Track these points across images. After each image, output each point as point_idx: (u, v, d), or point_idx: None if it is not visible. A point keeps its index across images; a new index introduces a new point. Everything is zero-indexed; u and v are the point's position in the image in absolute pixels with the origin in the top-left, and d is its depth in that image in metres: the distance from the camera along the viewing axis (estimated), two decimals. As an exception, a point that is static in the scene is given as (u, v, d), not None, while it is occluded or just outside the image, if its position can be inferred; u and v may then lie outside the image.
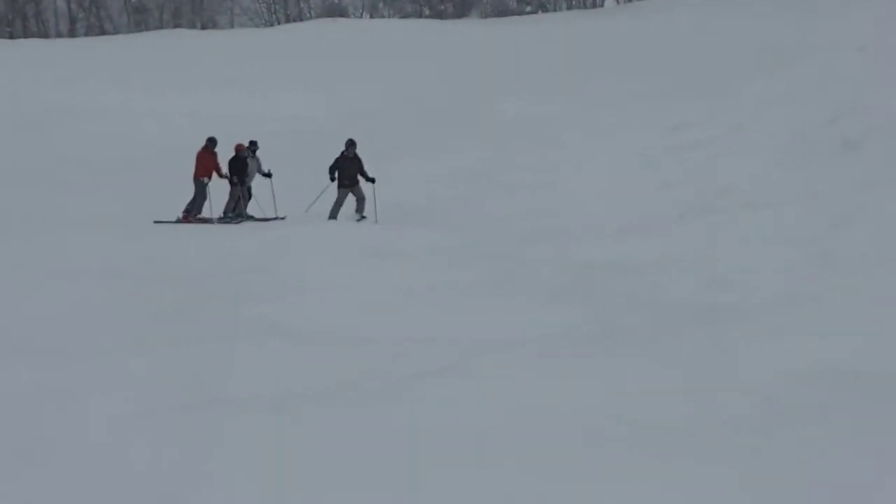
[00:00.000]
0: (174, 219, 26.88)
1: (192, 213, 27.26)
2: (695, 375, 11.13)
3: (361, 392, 10.79)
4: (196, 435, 9.36)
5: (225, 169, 27.95)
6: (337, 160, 27.02)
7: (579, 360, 11.96)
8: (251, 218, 27.50)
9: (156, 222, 25.97)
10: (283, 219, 26.95)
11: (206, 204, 27.57)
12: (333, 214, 26.33)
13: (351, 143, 27.15)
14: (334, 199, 26.70)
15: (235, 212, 27.73)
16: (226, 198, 27.96)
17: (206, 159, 27.72)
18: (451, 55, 52.22)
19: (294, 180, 29.37)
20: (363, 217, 26.55)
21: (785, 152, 25.22)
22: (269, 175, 28.44)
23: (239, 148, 28.06)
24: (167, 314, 15.30)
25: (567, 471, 8.42)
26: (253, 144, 28.69)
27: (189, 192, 27.68)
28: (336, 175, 26.97)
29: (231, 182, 27.74)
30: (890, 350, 12.20)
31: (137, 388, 10.97)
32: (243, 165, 27.85)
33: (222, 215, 27.71)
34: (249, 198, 28.12)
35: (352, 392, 10.81)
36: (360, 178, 27.00)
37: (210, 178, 27.70)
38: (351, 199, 26.93)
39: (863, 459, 8.53)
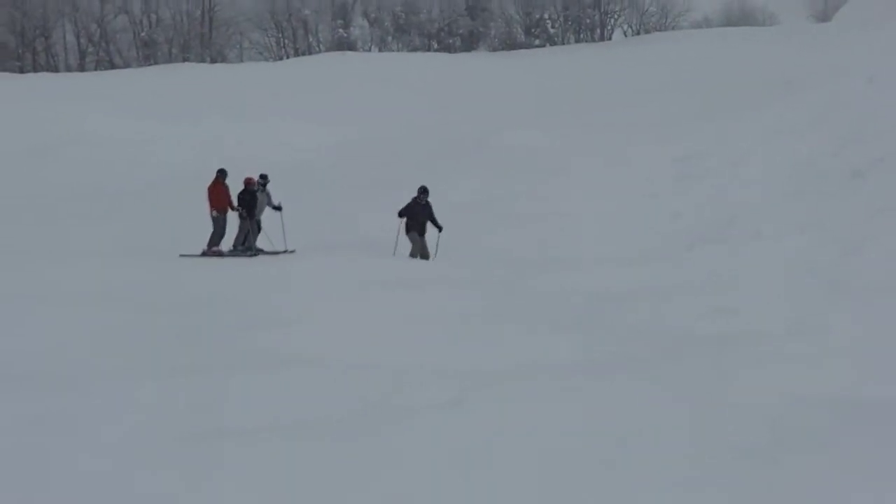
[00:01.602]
0: (198, 252, 26.89)
1: (209, 247, 27.27)
2: (700, 402, 11.12)
3: (362, 423, 10.73)
4: (197, 464, 9.37)
5: (235, 202, 27.91)
6: (409, 205, 26.55)
7: (583, 389, 11.90)
8: (261, 251, 27.48)
9: (181, 255, 26.01)
10: (292, 252, 26.92)
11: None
12: (414, 254, 26.23)
13: (423, 191, 26.72)
14: (410, 247, 26.33)
15: (245, 245, 27.71)
16: (236, 231, 27.96)
17: (218, 192, 27.71)
18: (458, 88, 52.40)
19: (302, 211, 29.39)
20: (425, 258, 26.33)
21: (792, 181, 25.23)
22: (279, 208, 28.35)
23: (248, 182, 28.01)
24: (171, 344, 15.27)
25: (573, 499, 8.44)
26: (263, 178, 28.61)
27: (202, 225, 27.71)
28: (406, 219, 26.49)
29: (240, 216, 27.71)
30: (894, 377, 12.22)
31: (139, 417, 10.94)
32: (252, 199, 27.79)
33: (232, 248, 27.71)
34: (259, 231, 28.08)
35: (353, 422, 10.75)
36: (428, 225, 26.47)
37: (225, 211, 27.66)
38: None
39: (868, 486, 8.54)
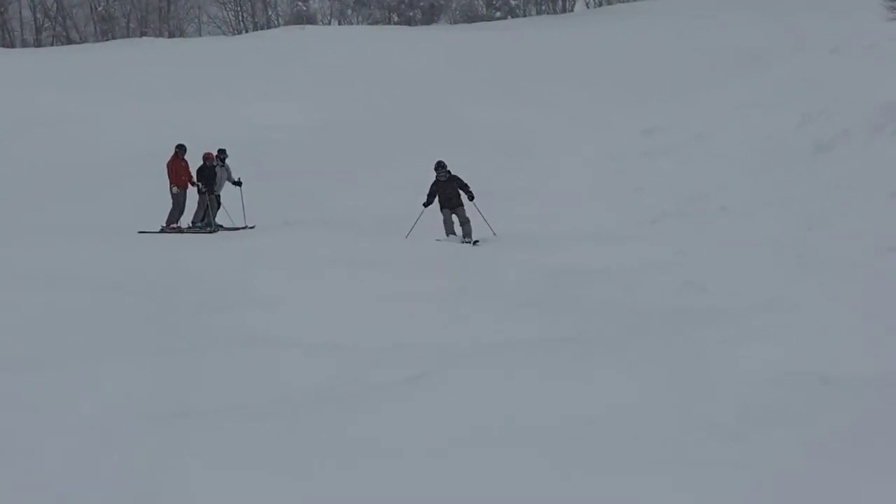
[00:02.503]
0: (157, 229, 26.69)
1: (168, 223, 27.07)
2: (670, 381, 11.01)
3: (329, 402, 10.66)
4: (163, 444, 9.24)
5: (194, 177, 27.69)
6: (432, 186, 25.45)
7: (553, 366, 11.80)
8: (220, 227, 27.30)
9: (140, 232, 25.79)
10: (252, 228, 26.77)
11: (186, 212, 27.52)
12: (449, 231, 25.09)
13: (440, 165, 25.47)
14: (442, 221, 25.19)
15: (204, 221, 27.53)
16: (195, 207, 27.76)
17: (177, 167, 27.48)
18: (419, 62, 52.24)
19: (263, 189, 29.24)
20: (473, 241, 24.46)
21: (758, 156, 25.30)
22: (238, 183, 28.18)
23: (207, 157, 27.81)
24: (137, 324, 15.15)
25: (541, 479, 8.33)
26: (221, 153, 28.41)
27: (162, 202, 27.51)
28: (432, 200, 25.37)
29: (199, 191, 27.51)
30: (866, 353, 12.21)
31: (103, 398, 10.85)
32: (211, 174, 27.61)
33: (191, 224, 27.53)
34: (218, 207, 27.90)
35: (319, 402, 10.69)
36: (462, 197, 25.28)
37: (185, 187, 27.45)
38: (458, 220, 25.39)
39: (840, 464, 8.47)
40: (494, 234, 24.20)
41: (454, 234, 24.78)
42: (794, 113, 26.63)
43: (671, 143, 29.57)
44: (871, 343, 12.62)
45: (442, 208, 25.15)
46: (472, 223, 24.76)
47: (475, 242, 24.20)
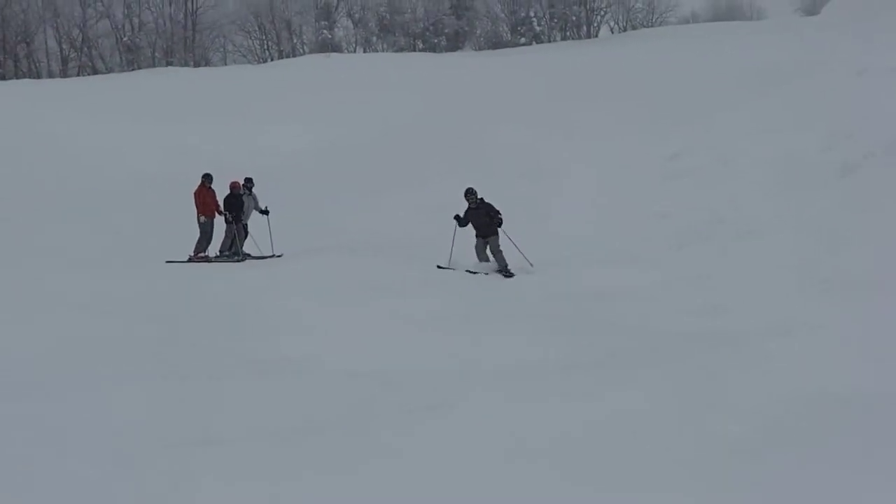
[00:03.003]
0: (185, 258, 26.80)
1: (196, 252, 27.18)
2: (689, 401, 11.12)
3: (351, 427, 10.76)
4: (183, 470, 9.35)
5: (221, 206, 27.78)
6: (465, 213, 24.70)
7: (572, 388, 11.90)
8: (248, 256, 27.37)
9: (168, 262, 25.92)
10: (279, 256, 26.82)
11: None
12: (482, 259, 24.33)
13: (469, 193, 24.79)
14: (475, 246, 24.47)
15: (232, 250, 27.61)
16: (223, 236, 27.85)
17: (204, 197, 27.59)
18: (444, 88, 52.27)
19: (289, 215, 29.32)
20: (507, 273, 23.40)
21: (781, 178, 25.19)
22: (266, 212, 28.23)
23: (234, 186, 27.91)
24: (160, 350, 15.24)
25: (558, 494, 8.43)
26: (248, 181, 28.50)
27: (188, 231, 27.63)
28: (463, 223, 24.65)
29: (226, 220, 27.61)
30: (886, 374, 12.24)
31: (125, 424, 10.95)
32: (239, 203, 27.69)
33: (219, 253, 27.62)
34: (246, 235, 27.97)
35: (342, 427, 10.78)
36: (493, 225, 24.17)
37: (212, 216, 27.56)
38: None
39: (855, 481, 8.57)
40: (531, 265, 23.48)
41: (486, 261, 24.17)
42: (818, 135, 26.53)
43: (694, 165, 29.49)
44: (892, 364, 12.64)
45: (476, 235, 24.45)
46: (504, 254, 23.76)
47: (508, 275, 23.30)
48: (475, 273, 23.33)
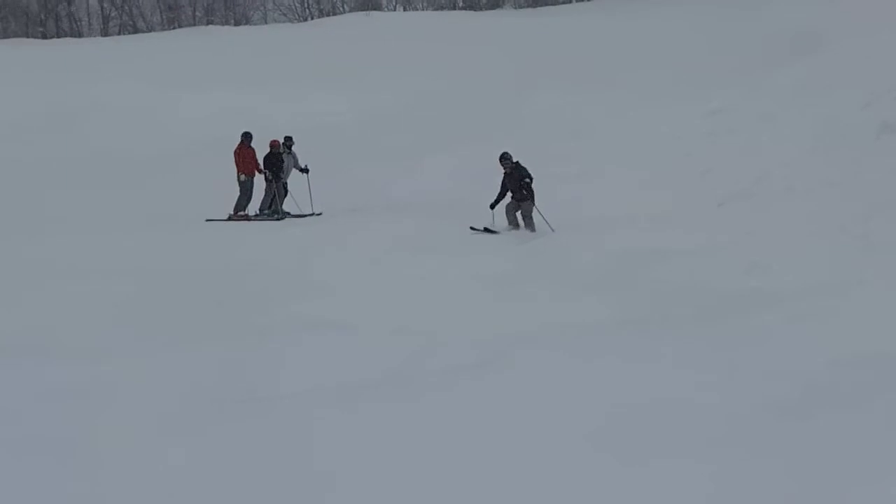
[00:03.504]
0: (225, 217, 26.90)
1: (235, 211, 27.27)
2: (735, 361, 11.05)
3: (396, 386, 10.79)
4: (233, 430, 9.40)
5: (261, 165, 27.85)
6: (502, 181, 24.10)
7: (619, 347, 11.91)
8: (288, 214, 27.44)
9: (207, 220, 26.04)
10: (319, 215, 26.88)
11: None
12: (511, 221, 23.96)
13: (504, 157, 24.18)
14: (506, 207, 24.09)
15: (272, 208, 27.70)
16: (262, 195, 27.94)
17: (244, 155, 27.66)
18: (484, 47, 52.13)
19: (328, 175, 29.33)
20: (528, 229, 23.49)
21: (822, 137, 25.02)
22: (305, 171, 28.27)
23: (274, 144, 27.97)
24: (203, 311, 15.35)
25: (609, 456, 8.44)
26: (288, 140, 28.56)
27: (229, 190, 27.72)
28: (500, 200, 24.04)
29: (266, 179, 27.67)
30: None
31: (172, 385, 11.05)
32: (279, 162, 27.76)
33: (258, 212, 27.72)
34: (286, 194, 28.04)
35: (387, 386, 10.80)
36: (526, 189, 23.76)
37: (252, 175, 27.64)
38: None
39: None
40: (553, 230, 23.00)
41: (515, 226, 23.89)
42: (858, 93, 26.33)
43: (735, 124, 29.33)
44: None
45: (512, 198, 24.01)
46: (532, 221, 23.59)
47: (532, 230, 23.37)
48: (495, 232, 23.17)
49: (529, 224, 23.59)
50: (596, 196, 25.48)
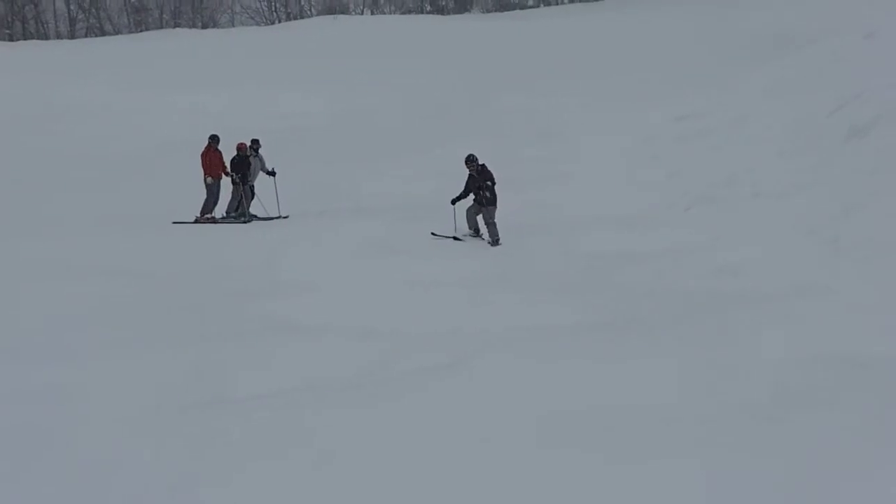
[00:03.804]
0: (191, 219, 26.80)
1: (202, 214, 27.18)
2: (704, 364, 11.10)
3: (365, 388, 10.77)
4: (202, 432, 9.38)
5: (228, 168, 27.79)
6: (467, 182, 23.55)
7: (588, 349, 11.92)
8: (255, 217, 27.38)
9: (174, 223, 25.94)
10: (286, 217, 26.83)
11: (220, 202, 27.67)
12: (471, 226, 23.46)
13: (470, 160, 23.54)
14: (466, 210, 23.60)
15: (238, 211, 27.62)
16: (229, 197, 27.86)
17: (211, 158, 27.57)
18: (452, 50, 52.34)
19: (296, 177, 29.32)
20: (494, 241, 22.61)
21: (792, 140, 25.15)
22: (272, 173, 28.25)
23: (241, 147, 27.90)
24: (172, 313, 15.27)
25: (575, 460, 8.44)
26: (255, 143, 28.52)
27: (196, 193, 27.64)
28: (463, 197, 23.54)
29: (233, 181, 27.61)
30: (896, 335, 12.15)
31: (141, 387, 10.99)
32: (245, 164, 27.70)
33: (225, 214, 27.64)
34: (252, 197, 27.97)
35: (355, 388, 10.79)
36: (489, 193, 23.18)
37: (219, 177, 27.55)
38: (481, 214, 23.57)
39: (873, 445, 8.54)
40: (490, 242, 22.57)
41: (474, 231, 23.39)
42: (827, 97, 26.49)
43: (705, 127, 29.49)
44: (905, 326, 12.58)
45: (474, 201, 23.48)
46: (495, 228, 22.83)
47: (496, 242, 22.54)
48: (461, 240, 22.77)
49: (492, 231, 22.94)
50: (565, 199, 25.54)
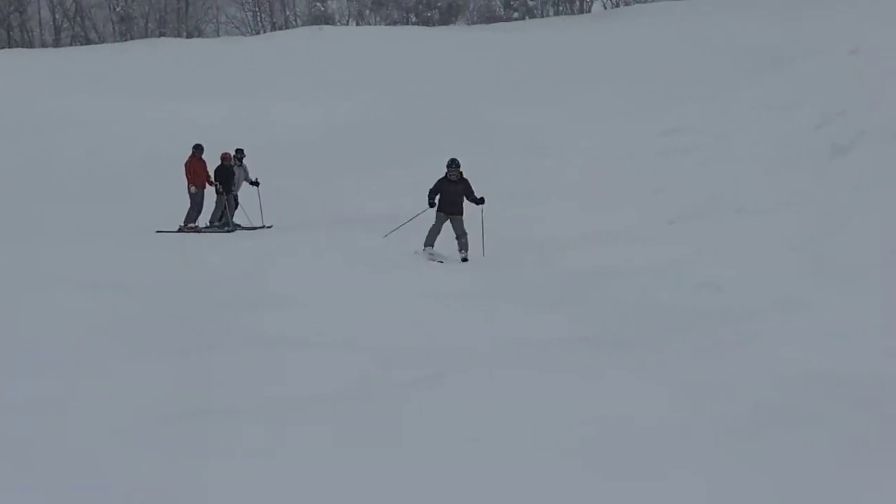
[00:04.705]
0: (175, 229, 26.79)
1: (186, 223, 27.19)
2: (685, 380, 11.06)
3: (349, 401, 10.72)
4: (188, 445, 9.30)
5: (212, 177, 27.79)
6: (438, 183, 22.96)
7: (570, 366, 11.87)
8: (238, 227, 27.39)
9: (158, 232, 25.92)
10: (269, 227, 26.85)
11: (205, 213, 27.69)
12: (430, 242, 22.46)
13: (454, 164, 22.99)
14: (431, 225, 22.67)
15: (222, 221, 27.64)
16: (213, 207, 27.87)
17: (195, 167, 27.58)
18: (437, 63, 52.25)
19: (281, 189, 29.33)
20: (465, 259, 22.24)
21: (775, 157, 25.23)
22: (256, 183, 28.30)
23: (225, 157, 27.94)
24: (155, 324, 15.23)
25: (556, 477, 8.39)
26: (239, 153, 28.60)
27: (180, 202, 27.63)
28: (436, 200, 22.86)
29: (217, 191, 27.62)
30: (881, 353, 12.22)
31: (125, 399, 10.91)
32: (229, 174, 27.74)
33: (209, 224, 27.65)
34: (236, 206, 28.00)
35: (341, 401, 10.73)
36: (464, 205, 22.87)
37: (203, 187, 27.55)
38: (448, 229, 22.95)
39: (855, 463, 8.50)
40: (484, 254, 22.35)
41: (432, 248, 22.48)
42: (812, 114, 26.59)
43: (689, 143, 29.52)
44: (887, 343, 12.63)
45: (438, 211, 22.77)
46: (467, 238, 22.57)
47: (465, 259, 22.23)
48: (439, 262, 21.98)
49: (463, 242, 22.52)
50: (549, 214, 25.55)
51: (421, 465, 8.71)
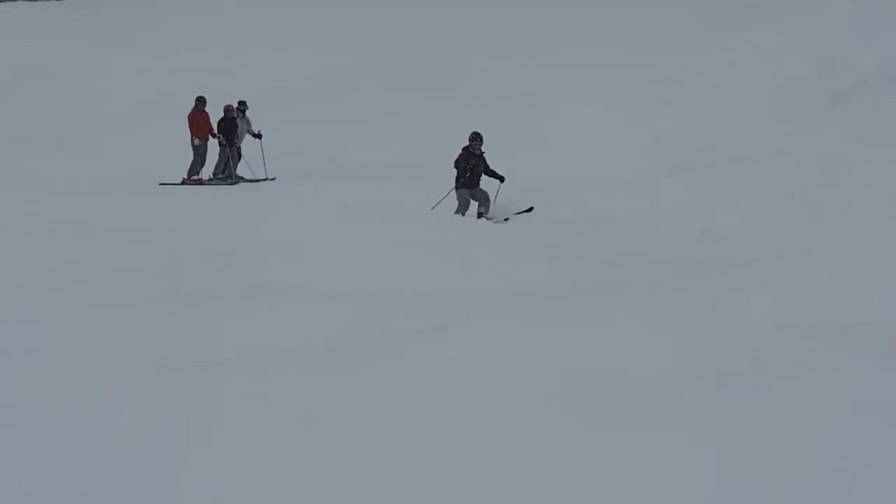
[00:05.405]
0: (178, 181, 26.82)
1: (189, 175, 27.21)
2: (682, 329, 11.08)
3: (343, 350, 10.80)
4: (179, 395, 9.41)
5: (215, 130, 27.77)
6: (462, 156, 22.33)
7: (566, 314, 11.88)
8: (241, 179, 27.40)
9: (161, 184, 25.95)
10: (273, 179, 26.86)
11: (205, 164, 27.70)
12: (464, 211, 22.30)
13: (478, 138, 22.42)
14: (457, 206, 22.31)
15: (225, 173, 27.65)
16: (216, 159, 27.88)
17: (198, 120, 27.55)
18: (433, 10, 51.91)
19: (281, 139, 29.26)
20: (482, 214, 22.25)
21: (773, 106, 25.07)
22: (259, 136, 28.22)
23: (227, 109, 27.87)
24: (150, 275, 15.26)
25: (552, 425, 8.47)
26: (242, 104, 28.48)
27: (182, 155, 27.66)
28: (460, 176, 22.31)
29: (220, 143, 27.60)
30: (879, 300, 12.23)
31: (118, 348, 10.99)
32: (232, 126, 27.68)
33: (212, 176, 27.66)
34: (239, 158, 27.98)
35: (333, 351, 10.82)
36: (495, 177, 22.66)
37: (206, 139, 27.56)
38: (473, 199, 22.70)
39: (848, 409, 8.52)
40: (490, 217, 22.18)
41: (466, 209, 22.34)
42: (811, 63, 26.40)
43: (686, 93, 29.30)
44: (885, 290, 12.62)
45: (460, 188, 22.36)
46: (489, 202, 22.45)
47: (481, 215, 22.15)
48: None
49: (488, 206, 22.44)
50: (543, 163, 25.35)
51: (417, 411, 8.82)
